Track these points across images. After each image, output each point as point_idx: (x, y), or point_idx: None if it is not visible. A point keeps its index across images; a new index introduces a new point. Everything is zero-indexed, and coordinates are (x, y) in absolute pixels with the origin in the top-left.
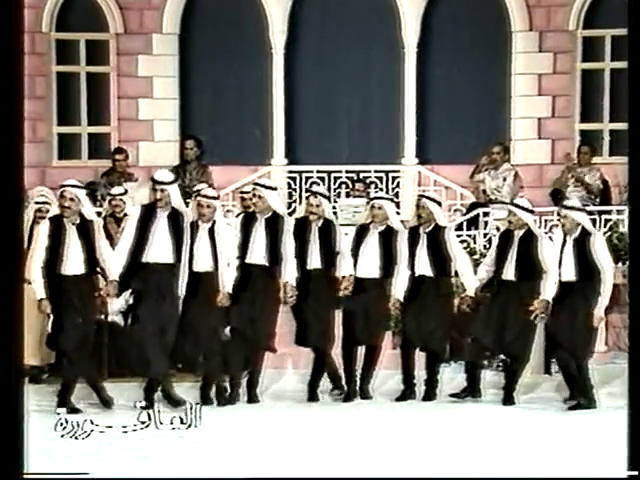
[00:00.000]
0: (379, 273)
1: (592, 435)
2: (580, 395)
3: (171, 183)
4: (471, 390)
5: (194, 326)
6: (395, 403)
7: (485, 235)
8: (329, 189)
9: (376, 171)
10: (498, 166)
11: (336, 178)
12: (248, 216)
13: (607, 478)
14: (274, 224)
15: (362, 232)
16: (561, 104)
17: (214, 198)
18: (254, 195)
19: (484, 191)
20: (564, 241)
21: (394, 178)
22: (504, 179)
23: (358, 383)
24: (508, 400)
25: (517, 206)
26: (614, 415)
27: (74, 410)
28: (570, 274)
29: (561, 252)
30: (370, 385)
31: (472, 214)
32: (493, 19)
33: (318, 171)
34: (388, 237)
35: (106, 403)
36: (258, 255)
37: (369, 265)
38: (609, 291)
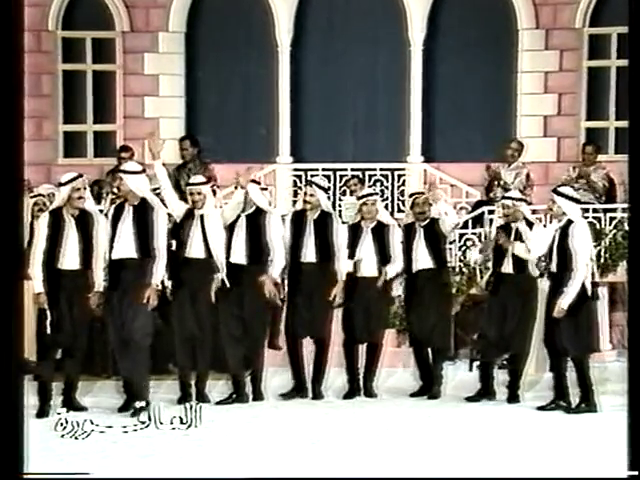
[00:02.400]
0: (377, 271)
1: (593, 435)
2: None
3: (130, 172)
4: (485, 392)
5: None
6: (399, 401)
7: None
8: (335, 187)
9: (382, 169)
10: (511, 162)
11: (342, 176)
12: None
13: (607, 478)
14: (255, 220)
15: (354, 232)
16: (567, 102)
17: (202, 184)
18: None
19: (499, 184)
20: (555, 231)
21: (400, 176)
22: (516, 175)
23: (361, 381)
24: (513, 398)
25: (510, 198)
26: (616, 415)
27: (79, 408)
28: (553, 265)
29: (552, 242)
30: (374, 383)
31: (477, 212)
32: (499, 17)
33: (324, 169)
34: (381, 233)
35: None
36: (239, 254)
37: (366, 264)
38: (578, 283)
